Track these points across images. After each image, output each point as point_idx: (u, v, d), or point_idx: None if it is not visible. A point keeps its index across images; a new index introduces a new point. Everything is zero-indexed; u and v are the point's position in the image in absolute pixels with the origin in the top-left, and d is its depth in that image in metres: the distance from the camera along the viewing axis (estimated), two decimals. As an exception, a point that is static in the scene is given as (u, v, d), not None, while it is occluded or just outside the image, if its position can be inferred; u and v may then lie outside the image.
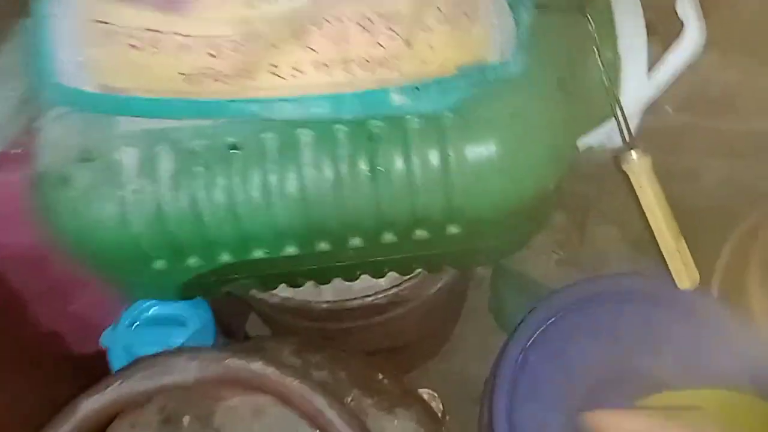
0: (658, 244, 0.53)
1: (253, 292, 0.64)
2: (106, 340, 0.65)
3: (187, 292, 0.55)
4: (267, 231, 0.47)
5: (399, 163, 0.45)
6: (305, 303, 0.63)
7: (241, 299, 0.69)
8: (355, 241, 0.50)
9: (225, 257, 0.49)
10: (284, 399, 0.45)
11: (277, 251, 0.49)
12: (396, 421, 0.53)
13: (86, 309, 0.77)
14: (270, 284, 0.57)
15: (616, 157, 0.53)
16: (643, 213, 0.53)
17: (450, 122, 0.45)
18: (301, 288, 0.63)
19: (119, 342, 0.64)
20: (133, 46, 0.38)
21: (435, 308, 0.79)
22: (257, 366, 0.40)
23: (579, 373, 0.77)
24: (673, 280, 0.54)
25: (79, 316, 0.77)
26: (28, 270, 0.69)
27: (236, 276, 0.53)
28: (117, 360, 0.63)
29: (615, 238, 1.02)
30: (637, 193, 0.52)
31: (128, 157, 0.45)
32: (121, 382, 0.38)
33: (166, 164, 0.45)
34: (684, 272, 0.52)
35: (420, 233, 0.50)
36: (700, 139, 0.81)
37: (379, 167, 0.45)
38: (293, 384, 0.41)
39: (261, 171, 0.45)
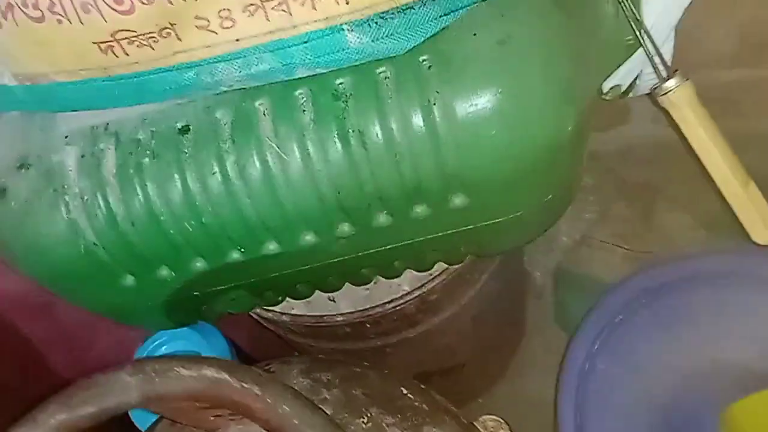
0: (724, 197, 0.42)
1: (259, 311, 0.57)
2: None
3: (176, 314, 0.49)
4: (235, 225, 0.40)
5: (374, 123, 0.38)
6: (319, 319, 0.56)
7: (263, 327, 0.63)
8: (344, 228, 0.42)
9: (198, 264, 0.43)
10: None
11: (255, 249, 0.42)
12: (423, 441, 0.44)
13: (107, 352, 0.72)
14: (267, 296, 0.50)
15: (652, 94, 0.44)
16: (700, 162, 0.43)
17: (427, 64, 0.37)
18: (312, 302, 0.56)
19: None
20: (33, 18, 0.33)
21: (482, 318, 0.69)
22: (212, 373, 0.32)
23: (657, 374, 0.65)
24: (749, 237, 0.43)
25: (101, 360, 0.73)
26: (34, 317, 0.66)
27: (221, 287, 0.46)
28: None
29: (687, 225, 0.90)
30: (684, 131, 0.42)
31: (70, 159, 0.40)
32: (54, 409, 0.32)
33: (110, 160, 0.39)
34: (760, 222, 0.41)
35: (420, 210, 0.42)
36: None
37: (350, 130, 0.38)
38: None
39: (216, 154, 0.39)
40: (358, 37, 0.35)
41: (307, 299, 0.56)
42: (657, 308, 0.67)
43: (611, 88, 0.45)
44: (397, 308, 0.55)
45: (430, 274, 0.55)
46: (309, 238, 0.42)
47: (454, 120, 0.37)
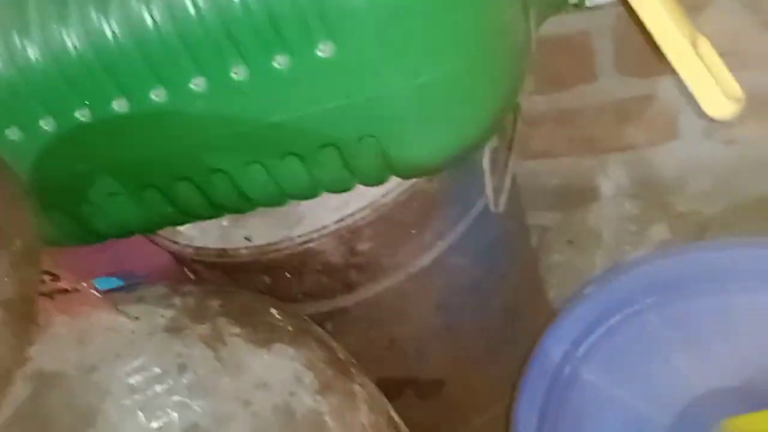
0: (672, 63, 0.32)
1: (167, 243, 0.51)
2: None
3: (60, 216, 0.44)
4: (77, 68, 0.36)
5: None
6: (222, 252, 0.49)
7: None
8: (198, 82, 0.36)
9: (46, 124, 0.38)
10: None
11: (102, 106, 0.37)
12: (267, 355, 0.35)
13: None
14: (149, 199, 0.44)
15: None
16: (641, 20, 0.33)
17: None
18: (224, 238, 0.49)
19: None
20: None
21: (451, 311, 0.58)
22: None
23: (662, 393, 0.51)
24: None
25: None
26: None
27: (86, 167, 0.41)
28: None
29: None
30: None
31: None
32: None
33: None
34: (714, 88, 0.30)
35: (282, 61, 0.35)
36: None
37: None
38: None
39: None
40: None
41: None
42: (670, 310, 0.53)
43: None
44: (311, 245, 0.47)
45: (349, 206, 0.47)
46: (159, 93, 0.37)
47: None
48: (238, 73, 0.36)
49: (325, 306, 0.53)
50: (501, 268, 0.61)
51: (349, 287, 0.52)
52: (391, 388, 0.67)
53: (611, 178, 0.85)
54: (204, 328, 0.36)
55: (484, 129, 0.41)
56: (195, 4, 0.34)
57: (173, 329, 0.36)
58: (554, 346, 0.52)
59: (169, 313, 0.37)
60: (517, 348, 0.71)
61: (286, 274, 0.50)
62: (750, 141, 0.77)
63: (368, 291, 0.53)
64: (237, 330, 0.36)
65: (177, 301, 0.38)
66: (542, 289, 0.82)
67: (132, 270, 0.68)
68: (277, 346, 0.35)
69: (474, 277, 0.58)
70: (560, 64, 0.75)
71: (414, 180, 0.47)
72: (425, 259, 0.53)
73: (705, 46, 0.31)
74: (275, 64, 0.35)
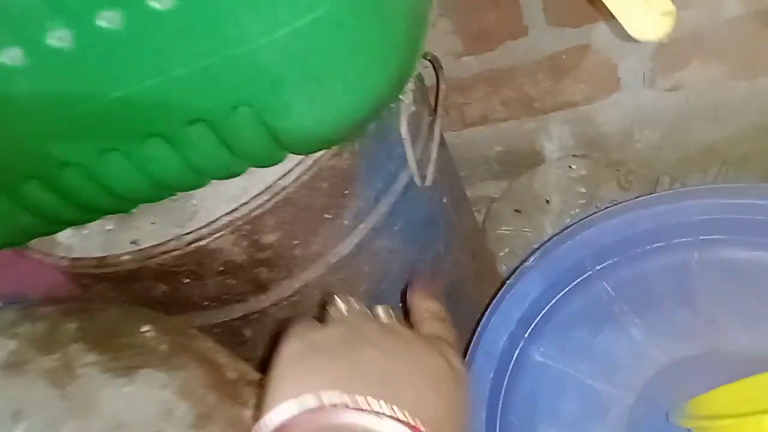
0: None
1: (40, 250, 0.44)
2: None
3: None
4: None
5: None
6: (101, 261, 0.41)
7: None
8: (15, 55, 0.29)
9: None
10: None
11: None
12: (128, 387, 0.28)
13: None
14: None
15: None
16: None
17: None
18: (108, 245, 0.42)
19: None
20: None
21: (390, 288, 0.52)
22: None
23: (623, 371, 0.45)
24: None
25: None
26: None
27: None
28: None
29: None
30: None
31: None
32: None
33: None
34: (640, 5, 0.24)
35: (110, 17, 0.28)
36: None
37: None
38: None
39: None
40: None
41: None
42: (622, 275, 0.48)
43: None
44: (203, 243, 0.40)
45: (248, 194, 0.40)
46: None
47: None
48: (60, 38, 0.29)
49: (237, 311, 0.47)
50: (437, 247, 0.55)
51: (262, 287, 0.45)
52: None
53: (554, 140, 0.80)
54: (51, 361, 0.29)
55: (382, 89, 0.35)
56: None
57: (12, 366, 0.29)
58: (498, 328, 0.46)
59: (12, 344, 0.30)
60: (465, 331, 0.65)
61: (183, 279, 0.43)
62: (695, 86, 0.72)
63: (285, 289, 0.46)
64: (93, 358, 0.29)
65: (25, 329, 0.31)
66: (492, 264, 0.77)
67: (27, 290, 0.60)
68: (144, 373, 0.29)
69: (407, 260, 0.52)
70: (487, 21, 0.69)
71: (317, 156, 0.41)
72: (347, 246, 0.47)
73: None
74: (102, 23, 0.28)
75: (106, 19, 0.28)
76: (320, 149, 0.39)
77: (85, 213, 0.39)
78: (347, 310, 0.33)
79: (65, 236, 0.45)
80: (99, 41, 0.29)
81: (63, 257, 0.43)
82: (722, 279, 0.46)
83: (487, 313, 0.46)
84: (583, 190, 0.76)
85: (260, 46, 0.29)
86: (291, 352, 0.28)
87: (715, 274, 0.46)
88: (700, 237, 0.47)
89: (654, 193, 0.76)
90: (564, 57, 0.71)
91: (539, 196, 0.78)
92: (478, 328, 0.46)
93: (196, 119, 0.33)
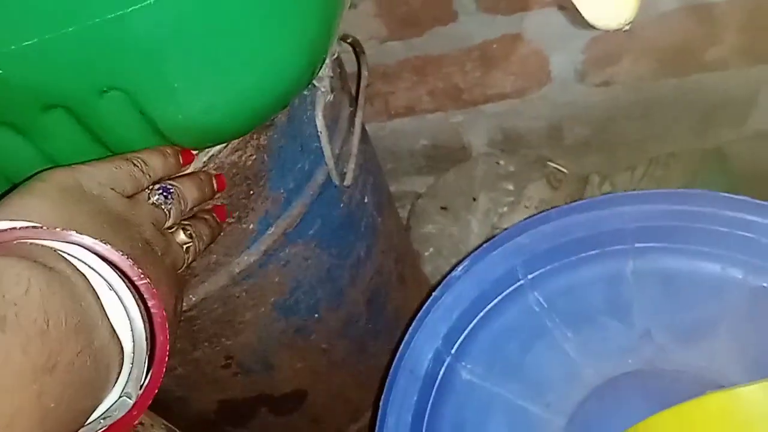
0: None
1: None
2: None
3: None
4: None
5: None
6: None
7: None
8: None
9: None
10: None
11: None
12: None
13: None
14: None
15: None
16: None
17: None
18: None
19: None
20: None
21: (303, 298, 0.46)
22: None
23: (556, 389, 0.42)
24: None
25: None
26: None
27: None
28: None
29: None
30: None
31: None
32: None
33: None
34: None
35: None
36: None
37: None
38: None
39: None
40: None
41: None
42: (554, 285, 0.44)
43: None
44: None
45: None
46: None
47: None
48: None
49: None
50: (357, 251, 0.50)
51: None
52: (240, 412, 0.55)
53: (482, 134, 0.76)
54: None
55: (289, 71, 0.29)
56: None
57: None
58: (423, 344, 0.41)
59: None
60: (389, 340, 0.61)
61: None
62: (626, 82, 0.70)
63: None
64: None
65: None
66: (416, 266, 0.73)
67: None
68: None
69: (322, 266, 0.47)
70: (414, 3, 0.64)
71: (214, 150, 0.35)
72: (253, 254, 0.41)
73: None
74: None
75: None
76: (215, 143, 0.33)
77: None
78: None
79: None
80: None
81: None
82: (658, 290, 0.43)
83: (410, 328, 0.42)
84: (511, 188, 0.73)
85: (134, 10, 0.23)
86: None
87: (650, 285, 0.43)
88: (636, 244, 0.44)
89: (584, 192, 0.74)
90: (494, 46, 0.68)
91: (466, 193, 0.74)
92: (401, 346, 0.41)
93: (52, 105, 0.26)
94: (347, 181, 0.45)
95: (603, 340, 0.42)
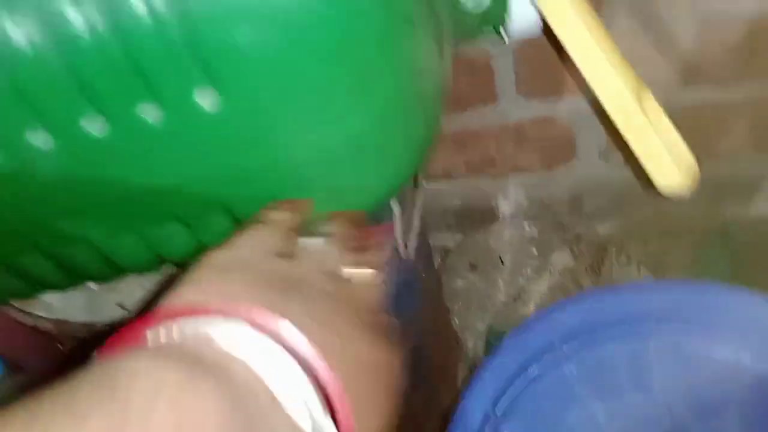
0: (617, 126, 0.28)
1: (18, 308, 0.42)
2: None
3: None
4: None
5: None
6: (91, 328, 0.40)
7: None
8: (41, 137, 0.28)
9: None
10: None
11: None
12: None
13: None
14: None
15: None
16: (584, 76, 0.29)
17: None
18: (93, 307, 0.41)
19: None
20: None
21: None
22: None
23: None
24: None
25: None
26: None
27: None
28: None
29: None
30: (559, 34, 0.29)
31: None
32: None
33: None
34: (665, 156, 0.27)
35: (151, 113, 0.28)
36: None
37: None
38: None
39: None
40: None
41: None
42: (586, 357, 0.51)
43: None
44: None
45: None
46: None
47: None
48: (94, 126, 0.28)
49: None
50: (408, 314, 0.57)
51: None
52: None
53: (510, 199, 0.83)
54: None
55: (395, 184, 0.36)
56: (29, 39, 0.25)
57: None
58: (474, 409, 0.48)
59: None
60: (426, 390, 0.67)
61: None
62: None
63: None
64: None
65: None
66: (447, 321, 0.79)
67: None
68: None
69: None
70: (461, 85, 0.72)
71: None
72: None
73: (649, 100, 0.28)
74: (142, 115, 0.28)
75: (146, 112, 0.28)
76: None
77: (76, 280, 0.38)
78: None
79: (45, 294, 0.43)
80: (135, 132, 0.28)
81: (42, 317, 0.41)
82: (678, 368, 0.49)
83: (466, 390, 0.48)
84: (535, 252, 0.80)
85: (297, 152, 0.30)
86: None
87: (670, 363, 0.50)
88: (658, 325, 0.51)
89: (602, 262, 0.80)
90: (528, 125, 0.75)
91: (494, 252, 0.80)
92: (456, 410, 0.48)
93: (220, 209, 0.33)
94: (411, 254, 0.52)
95: (627, 408, 0.49)
